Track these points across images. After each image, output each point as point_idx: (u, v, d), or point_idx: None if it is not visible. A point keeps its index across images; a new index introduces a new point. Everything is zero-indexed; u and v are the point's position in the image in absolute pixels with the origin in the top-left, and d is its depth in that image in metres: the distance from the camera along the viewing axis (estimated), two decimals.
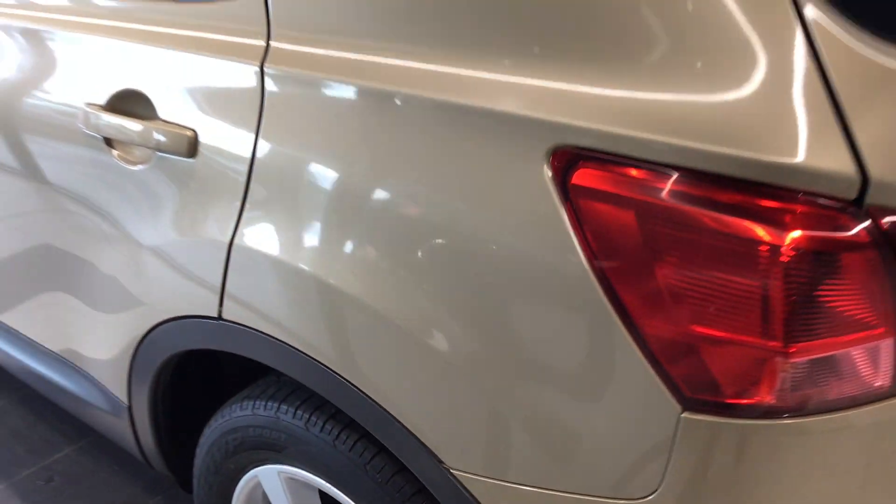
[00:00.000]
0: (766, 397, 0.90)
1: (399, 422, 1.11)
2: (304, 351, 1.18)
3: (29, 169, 1.53)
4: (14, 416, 2.37)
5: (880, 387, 0.92)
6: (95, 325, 1.54)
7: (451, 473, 1.09)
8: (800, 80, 0.86)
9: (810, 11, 0.86)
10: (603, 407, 0.97)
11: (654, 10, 0.90)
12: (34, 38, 1.50)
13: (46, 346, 1.74)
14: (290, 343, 1.19)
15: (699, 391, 0.92)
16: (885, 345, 0.90)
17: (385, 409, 1.12)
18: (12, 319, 1.81)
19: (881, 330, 0.89)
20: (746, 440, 0.92)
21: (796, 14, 0.86)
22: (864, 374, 0.91)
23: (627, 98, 0.90)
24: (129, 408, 1.57)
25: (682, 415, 0.92)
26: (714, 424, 0.92)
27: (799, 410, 0.91)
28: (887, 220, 0.86)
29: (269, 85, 1.13)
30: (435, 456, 1.10)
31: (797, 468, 0.94)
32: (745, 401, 0.91)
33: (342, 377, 1.15)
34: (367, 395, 1.13)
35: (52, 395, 1.84)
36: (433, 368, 1.06)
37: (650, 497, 0.96)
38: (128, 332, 1.44)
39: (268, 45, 1.14)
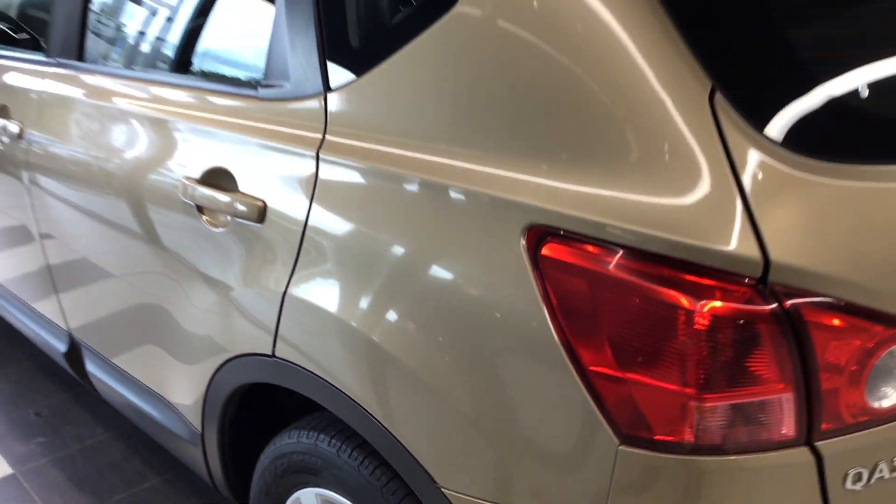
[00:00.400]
0: (686, 436, 1.10)
1: (406, 449, 1.35)
2: (336, 386, 1.43)
3: (136, 230, 1.87)
4: (113, 449, 2.69)
5: (786, 435, 1.10)
6: (181, 362, 1.84)
7: (442, 491, 1.31)
8: (719, 183, 1.08)
9: (730, 132, 1.09)
10: (561, 440, 1.18)
11: (615, 133, 1.14)
12: (149, 123, 1.85)
13: (144, 381, 2.05)
14: (325, 378, 1.45)
15: (633, 428, 1.12)
16: (787, 399, 1.09)
17: (397, 439, 1.36)
18: (119, 359, 2.13)
19: (781, 386, 1.08)
20: (672, 473, 1.12)
21: (719, 136, 1.09)
22: (770, 422, 1.10)
23: (590, 192, 1.14)
24: (202, 436, 1.85)
25: (620, 447, 1.13)
26: (644, 457, 1.12)
27: (716, 450, 1.10)
28: (788, 296, 1.07)
29: (322, 168, 1.42)
30: (431, 477, 1.32)
31: (718, 501, 1.12)
32: (668, 438, 1.11)
33: (367, 411, 1.40)
34: (385, 428, 1.37)
35: (146, 426, 2.14)
36: (441, 412, 1.30)
37: None
38: (204, 367, 1.73)
39: (324, 137, 1.43)
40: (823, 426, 1.11)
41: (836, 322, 1.08)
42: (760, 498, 1.12)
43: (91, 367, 2.27)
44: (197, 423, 1.85)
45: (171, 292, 1.79)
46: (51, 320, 2.39)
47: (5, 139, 2.24)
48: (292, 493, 1.67)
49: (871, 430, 1.14)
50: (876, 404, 1.13)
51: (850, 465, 1.13)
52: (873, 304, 1.09)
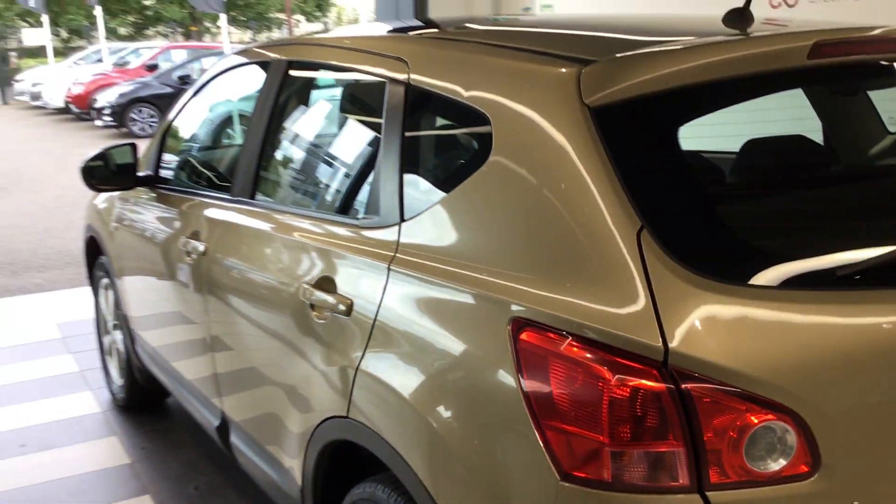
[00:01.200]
0: (605, 475, 1.49)
1: (430, 494, 1.79)
2: (389, 443, 1.91)
3: (269, 325, 2.46)
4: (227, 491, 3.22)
5: (682, 483, 1.48)
6: (291, 426, 2.37)
7: None
8: (638, 294, 1.51)
9: (649, 258, 1.53)
10: (522, 479, 1.60)
11: (581, 258, 1.60)
12: (287, 245, 2.46)
13: (267, 447, 2.59)
14: (381, 435, 1.93)
15: (570, 468, 1.53)
16: (679, 453, 1.47)
17: (426, 487, 1.80)
18: (252, 428, 2.70)
19: (674, 443, 1.47)
20: None
21: (642, 261, 1.53)
22: (668, 471, 1.48)
23: (555, 297, 1.60)
24: (302, 489, 2.35)
25: (560, 483, 1.53)
26: (577, 491, 1.52)
27: (628, 487, 1.49)
28: (682, 377, 1.47)
29: (391, 277, 1.96)
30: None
31: None
32: (591, 476, 1.50)
33: (408, 464, 1.86)
34: (420, 480, 1.82)
35: (267, 487, 2.67)
36: (457, 467, 1.74)
37: None
38: (306, 428, 2.25)
39: (395, 255, 1.97)
40: (712, 479, 1.48)
41: (717, 399, 1.47)
42: None
43: (234, 438, 2.84)
44: (298, 478, 2.36)
45: (288, 371, 2.35)
46: (209, 399, 3.01)
47: (194, 255, 2.94)
48: None
49: (755, 489, 1.48)
50: (758, 468, 1.48)
51: None
52: (749, 388, 1.46)
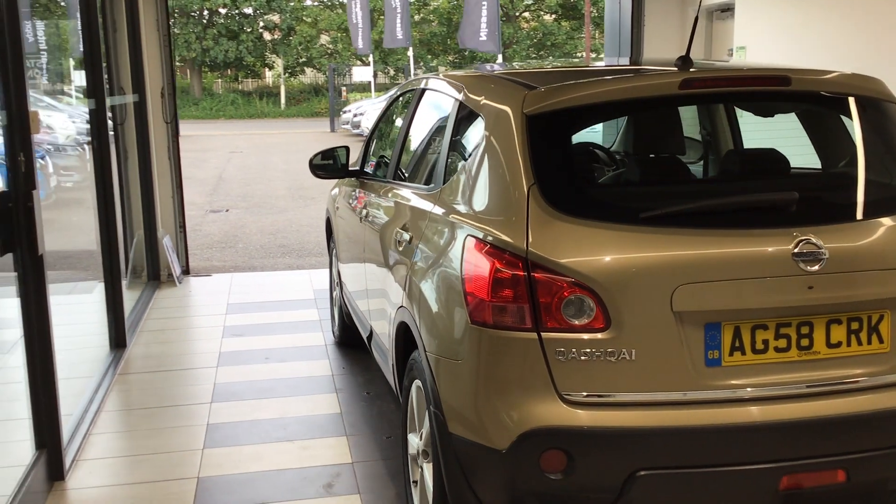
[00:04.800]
0: (487, 319, 2.64)
1: (425, 349, 3.02)
2: (413, 317, 3.16)
3: (381, 256, 3.80)
4: (387, 397, 4.56)
5: (528, 325, 2.59)
6: (387, 316, 3.68)
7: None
8: (523, 220, 2.66)
9: (532, 201, 2.67)
10: (458, 326, 2.78)
11: (506, 200, 2.80)
12: (394, 206, 3.78)
13: (382, 339, 3.91)
14: (411, 314, 3.19)
15: (474, 317, 2.69)
16: (526, 308, 2.58)
17: (424, 345, 3.03)
18: (375, 326, 4.04)
19: (523, 301, 2.58)
20: (476, 335, 2.65)
21: (527, 202, 2.68)
22: (520, 318, 2.59)
23: (489, 227, 2.79)
24: (392, 363, 3.65)
25: (469, 325, 2.70)
26: (475, 329, 2.67)
27: (499, 326, 2.62)
28: (533, 265, 2.59)
29: (429, 218, 3.21)
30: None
31: (495, 352, 2.64)
32: (482, 320, 2.66)
33: (418, 329, 3.09)
34: (422, 339, 3.08)
35: (382, 368, 3.99)
36: (435, 325, 2.96)
37: None
38: (391, 316, 3.55)
39: (434, 206, 3.23)
40: (548, 325, 2.57)
41: (549, 280, 2.57)
42: (515, 352, 2.60)
43: (372, 342, 4.21)
44: (391, 357, 3.65)
45: (392, 286, 3.63)
46: (365, 320, 4.40)
47: (363, 218, 4.36)
48: (411, 385, 3.37)
49: (570, 333, 2.56)
50: (570, 321, 2.56)
51: (557, 346, 2.56)
52: (568, 275, 2.55)
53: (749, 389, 2.58)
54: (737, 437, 2.55)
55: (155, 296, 7.20)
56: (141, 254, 7.47)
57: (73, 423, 4.41)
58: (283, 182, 15.57)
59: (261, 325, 6.35)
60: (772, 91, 2.95)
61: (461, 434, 2.71)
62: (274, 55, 39.45)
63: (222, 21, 38.12)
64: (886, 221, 2.72)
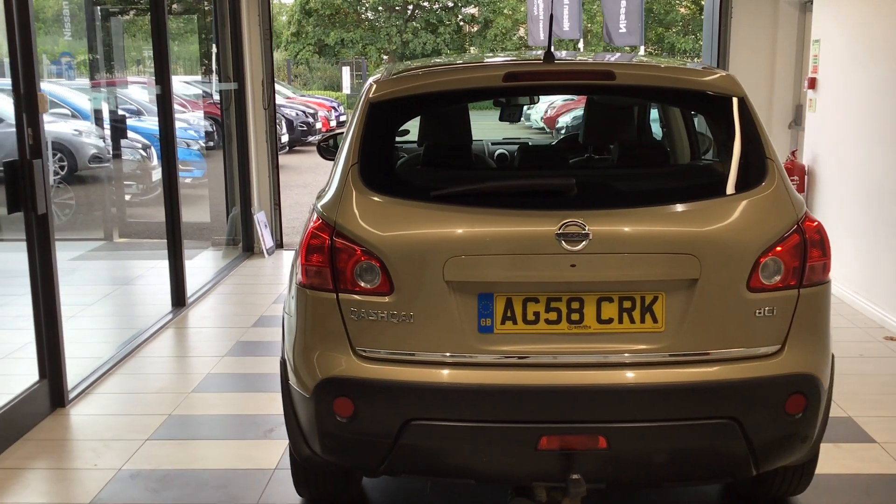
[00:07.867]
0: (304, 281, 3.02)
1: None
2: None
3: None
4: None
5: (328, 287, 2.94)
6: None
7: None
8: (338, 195, 3.02)
9: (349, 179, 3.02)
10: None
11: (335, 183, 3.16)
12: None
13: None
14: None
15: (301, 279, 3.07)
16: (327, 272, 2.94)
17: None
18: None
19: (326, 266, 2.94)
20: (304, 294, 3.03)
21: (347, 180, 3.04)
22: (324, 280, 2.94)
23: (325, 202, 3.16)
24: None
25: (298, 286, 3.08)
26: (300, 289, 3.05)
27: (312, 287, 2.99)
28: (337, 235, 2.94)
29: None
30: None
31: (313, 310, 3.00)
32: (301, 282, 3.03)
33: None
34: None
35: None
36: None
37: None
38: None
39: None
40: (343, 287, 2.92)
41: (346, 247, 2.91)
42: (321, 310, 2.96)
43: None
44: None
45: None
46: None
47: None
48: None
49: (360, 296, 2.89)
50: (361, 284, 2.89)
51: (351, 307, 2.90)
52: (360, 244, 2.88)
53: (518, 357, 2.81)
54: (501, 397, 2.79)
55: (242, 264, 7.98)
56: (237, 227, 8.29)
57: (97, 364, 5.16)
58: None
59: None
60: (599, 85, 3.11)
61: (292, 383, 3.10)
62: (471, 47, 40.45)
63: (423, 14, 39.56)
64: (662, 210, 2.84)
